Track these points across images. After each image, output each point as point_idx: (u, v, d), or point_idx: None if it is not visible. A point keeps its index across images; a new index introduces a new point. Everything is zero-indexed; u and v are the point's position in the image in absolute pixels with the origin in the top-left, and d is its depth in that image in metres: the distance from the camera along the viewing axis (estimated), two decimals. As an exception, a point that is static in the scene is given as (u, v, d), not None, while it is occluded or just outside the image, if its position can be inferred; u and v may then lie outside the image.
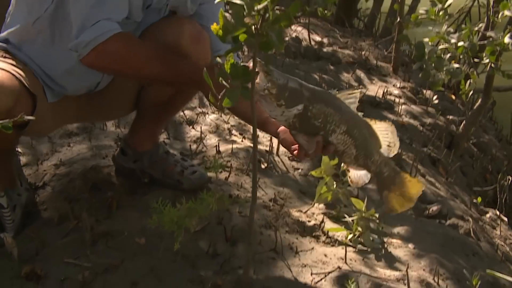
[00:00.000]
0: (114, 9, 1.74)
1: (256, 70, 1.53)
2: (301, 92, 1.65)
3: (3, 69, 1.74)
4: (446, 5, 3.02)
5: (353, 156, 1.80)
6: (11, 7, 1.96)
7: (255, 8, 1.50)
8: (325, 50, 4.98)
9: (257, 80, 1.56)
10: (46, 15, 1.84)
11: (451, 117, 4.33)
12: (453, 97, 4.85)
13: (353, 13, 6.99)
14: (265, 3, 1.47)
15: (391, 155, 1.85)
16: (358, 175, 1.89)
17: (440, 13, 3.01)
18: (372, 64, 4.93)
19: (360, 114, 1.79)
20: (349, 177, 1.89)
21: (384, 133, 1.83)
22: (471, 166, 4.00)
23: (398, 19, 4.47)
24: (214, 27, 1.64)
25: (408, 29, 4.18)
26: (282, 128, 1.85)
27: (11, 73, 1.74)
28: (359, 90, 1.88)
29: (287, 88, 1.62)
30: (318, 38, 5.35)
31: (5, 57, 1.85)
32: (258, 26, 1.52)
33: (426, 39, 3.27)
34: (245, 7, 1.52)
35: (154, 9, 1.96)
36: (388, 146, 1.84)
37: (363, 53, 5.17)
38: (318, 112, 1.67)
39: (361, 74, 4.63)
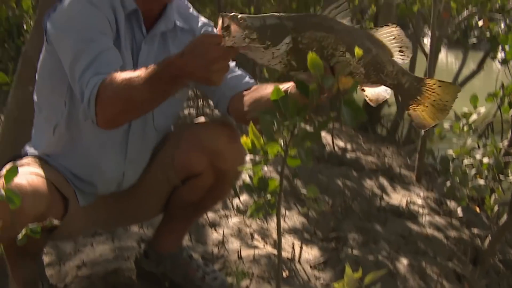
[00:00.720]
0: (102, 65, 1.76)
1: (227, 24, 1.47)
2: (283, 25, 1.53)
3: (36, 174, 1.80)
4: (470, 121, 3.06)
5: (363, 75, 1.63)
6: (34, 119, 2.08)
7: (285, 124, 1.55)
8: (348, 156, 5.02)
9: (233, 33, 1.47)
10: (62, 121, 1.94)
11: (476, 230, 4.25)
12: (478, 209, 4.79)
13: (376, 119, 7.10)
14: (295, 119, 1.52)
15: (406, 60, 1.67)
16: (375, 92, 1.71)
17: (465, 128, 3.05)
18: (395, 172, 4.94)
19: (357, 26, 1.68)
20: (366, 96, 1.72)
21: (391, 38, 1.64)
22: (497, 284, 3.88)
23: (422, 133, 4.52)
24: (244, 140, 1.68)
25: (432, 143, 4.22)
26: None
27: (44, 177, 1.80)
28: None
29: (267, 26, 1.51)
30: (341, 144, 5.42)
31: (38, 163, 1.92)
32: (287, 142, 1.56)
33: (450, 151, 3.30)
34: (274, 122, 1.56)
35: None
36: (400, 51, 1.65)
37: (386, 160, 5.20)
38: (309, 39, 1.54)
39: (384, 181, 4.63)
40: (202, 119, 2.21)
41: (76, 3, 1.85)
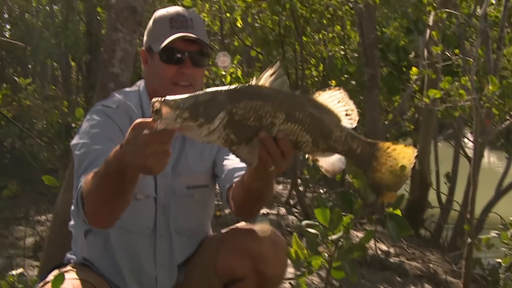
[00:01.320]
0: (95, 167, 1.75)
1: (157, 108, 1.41)
2: (216, 99, 1.46)
3: (80, 279, 1.83)
4: (519, 231, 2.99)
5: (310, 143, 1.52)
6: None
7: (329, 237, 1.55)
8: (391, 260, 4.90)
9: (164, 116, 1.41)
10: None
11: None
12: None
13: (420, 222, 6.96)
14: (339, 234, 1.52)
15: (354, 124, 1.55)
16: (329, 162, 1.58)
17: (513, 237, 2.97)
18: (441, 278, 4.78)
19: (297, 91, 1.58)
20: (322, 167, 1.59)
21: (335, 102, 1.53)
22: None
23: (469, 240, 4.41)
24: (287, 250, 1.68)
25: (479, 250, 4.10)
26: None
27: (87, 282, 1.82)
28: (276, 62, 1.55)
29: (199, 103, 1.44)
30: (384, 247, 5.31)
31: (79, 269, 1.98)
32: (332, 255, 1.55)
33: (499, 260, 3.20)
34: (319, 235, 1.56)
35: None
36: (347, 114, 1.54)
37: (431, 266, 5.06)
38: (244, 110, 1.46)
39: (429, 289, 4.49)
40: (242, 223, 2.22)
41: (94, 114, 1.98)
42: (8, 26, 10.34)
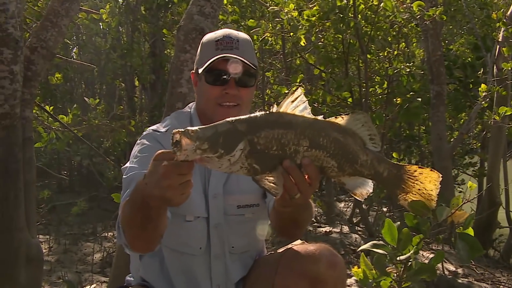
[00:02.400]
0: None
1: (177, 139, 1.40)
2: (236, 130, 1.45)
3: None
4: None
5: (336, 168, 1.50)
6: None
7: (398, 258, 1.52)
8: (459, 281, 4.76)
9: (184, 147, 1.39)
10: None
11: None
12: None
13: (489, 242, 6.74)
14: (408, 254, 1.50)
15: (378, 148, 1.51)
16: (356, 185, 1.55)
17: None
18: (512, 301, 4.61)
19: (320, 117, 1.49)
20: (349, 191, 1.56)
21: (359, 125, 1.51)
22: None
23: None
24: (355, 270, 1.66)
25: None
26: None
27: None
28: (298, 88, 1.55)
29: (219, 134, 1.43)
30: (451, 268, 5.16)
31: None
32: (401, 275, 1.53)
33: None
34: (387, 255, 1.54)
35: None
36: (371, 139, 1.51)
37: (501, 287, 4.88)
38: (265, 139, 1.45)
39: (501, 312, 4.33)
40: (298, 241, 2.20)
41: (144, 139, 2.03)
42: (75, 49, 10.77)
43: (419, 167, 1.54)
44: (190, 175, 1.48)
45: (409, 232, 1.51)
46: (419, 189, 1.52)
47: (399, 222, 1.55)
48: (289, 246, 2.08)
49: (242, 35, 2.07)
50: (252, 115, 1.49)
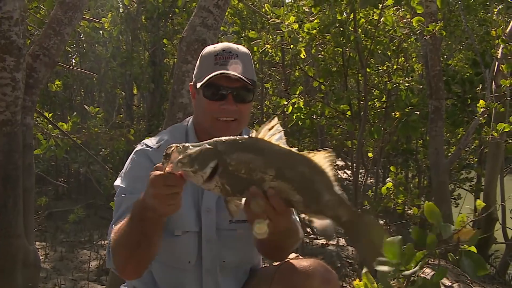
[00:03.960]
0: (123, 214, 1.85)
1: (168, 152, 1.49)
2: (214, 149, 1.48)
3: None
4: None
5: (302, 204, 1.49)
6: None
7: (402, 273, 1.53)
8: (456, 297, 4.77)
9: (171, 160, 1.48)
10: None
11: None
12: None
13: (485, 258, 6.75)
14: (413, 270, 1.50)
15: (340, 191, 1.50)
16: (322, 225, 1.53)
17: None
18: (508, 317, 4.61)
19: (294, 149, 1.48)
20: (316, 229, 1.54)
21: (328, 164, 1.50)
22: None
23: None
24: (357, 283, 1.67)
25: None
26: None
27: None
28: (274, 119, 1.54)
29: (199, 151, 1.48)
30: (447, 283, 5.17)
31: None
32: (404, 291, 1.53)
33: None
34: (391, 271, 1.55)
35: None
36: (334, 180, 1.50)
37: (498, 304, 4.88)
38: (236, 162, 1.47)
39: (497, 329, 4.33)
40: (293, 255, 2.19)
41: (135, 155, 2.05)
42: (74, 57, 10.77)
43: (369, 218, 1.55)
44: (179, 187, 1.55)
45: (413, 247, 1.51)
46: (371, 240, 1.51)
47: (400, 236, 1.56)
48: (283, 261, 2.07)
49: (242, 49, 2.07)
50: (236, 137, 1.52)
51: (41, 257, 4.69)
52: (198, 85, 2.01)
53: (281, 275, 2.00)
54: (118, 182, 2.00)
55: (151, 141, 2.11)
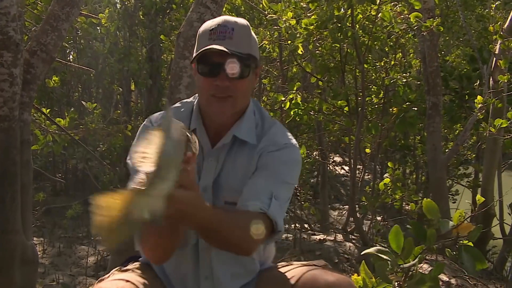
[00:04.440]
0: None
1: None
2: None
3: (131, 281, 1.88)
4: None
5: None
6: None
7: (401, 265, 1.54)
8: (453, 292, 4.78)
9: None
10: None
11: None
12: None
13: (482, 253, 6.75)
14: (411, 263, 1.51)
15: None
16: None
17: None
18: (505, 313, 4.63)
19: None
20: None
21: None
22: None
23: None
24: (355, 277, 1.67)
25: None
26: None
27: (134, 284, 1.87)
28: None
29: None
30: (445, 278, 5.18)
31: (141, 269, 2.02)
32: (402, 284, 1.54)
33: None
34: (389, 263, 1.55)
35: None
36: None
37: (495, 299, 4.90)
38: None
39: (493, 324, 4.34)
40: (322, 262, 2.13)
41: (140, 132, 2.04)
42: (72, 53, 10.75)
43: None
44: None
45: (412, 241, 1.52)
46: None
47: (404, 232, 1.57)
48: (309, 268, 1.94)
49: (240, 22, 1.98)
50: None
51: (39, 253, 4.69)
52: (193, 62, 1.98)
53: (291, 275, 1.92)
54: (128, 159, 2.00)
55: (156, 117, 2.10)
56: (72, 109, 6.48)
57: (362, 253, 1.69)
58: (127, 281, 1.90)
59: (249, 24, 2.01)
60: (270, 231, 1.87)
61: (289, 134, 2.07)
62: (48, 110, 5.50)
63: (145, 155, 1.48)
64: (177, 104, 2.17)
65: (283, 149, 1.97)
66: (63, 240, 5.95)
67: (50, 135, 5.11)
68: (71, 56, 10.85)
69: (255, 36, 2.03)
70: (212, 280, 2.05)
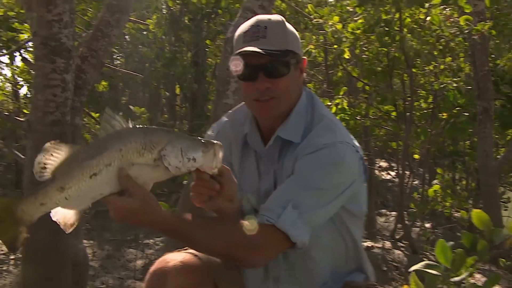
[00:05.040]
0: None
1: None
2: None
3: (195, 255, 1.93)
4: None
5: None
6: None
7: (452, 279, 1.50)
8: (505, 303, 4.65)
9: None
10: None
11: None
12: None
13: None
14: (463, 276, 1.47)
15: None
16: None
17: None
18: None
19: None
20: None
21: None
22: None
23: None
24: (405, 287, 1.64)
25: None
26: None
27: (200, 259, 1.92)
28: None
29: None
30: (499, 289, 5.04)
31: None
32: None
33: None
34: (440, 277, 1.51)
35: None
36: None
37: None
38: None
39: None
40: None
41: None
42: (120, 58, 10.94)
43: None
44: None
45: (463, 253, 1.48)
46: None
47: (452, 242, 1.52)
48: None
49: (274, 18, 1.93)
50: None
51: (88, 255, 4.78)
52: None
53: None
54: None
55: (216, 124, 2.14)
56: (120, 114, 6.55)
57: (410, 270, 1.65)
58: (195, 255, 1.92)
59: (284, 19, 1.95)
60: (287, 242, 1.77)
61: (337, 131, 1.92)
62: (97, 115, 5.59)
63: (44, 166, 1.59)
64: (235, 108, 2.16)
65: (319, 150, 1.84)
66: (112, 243, 6.05)
67: (99, 139, 5.19)
68: (118, 61, 11.05)
69: (293, 30, 1.96)
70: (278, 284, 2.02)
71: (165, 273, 1.87)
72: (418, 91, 6.26)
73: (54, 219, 1.66)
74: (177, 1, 8.83)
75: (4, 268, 4.90)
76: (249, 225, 1.73)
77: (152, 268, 1.94)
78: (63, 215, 1.65)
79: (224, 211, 1.77)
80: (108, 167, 1.57)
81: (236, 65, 1.86)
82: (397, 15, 5.25)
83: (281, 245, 1.78)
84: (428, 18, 5.16)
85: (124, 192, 1.59)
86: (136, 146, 1.58)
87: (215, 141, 1.62)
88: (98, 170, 1.56)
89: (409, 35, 5.30)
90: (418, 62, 5.82)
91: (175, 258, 1.90)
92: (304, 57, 2.03)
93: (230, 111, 2.18)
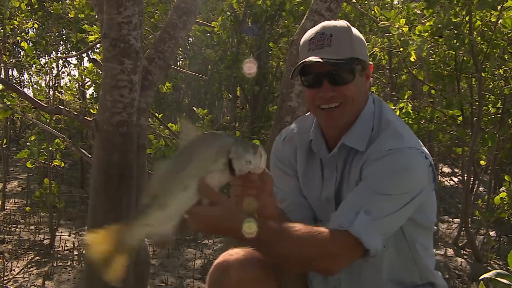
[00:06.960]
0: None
1: None
2: None
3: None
4: None
5: None
6: None
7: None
8: None
9: None
10: None
11: None
12: None
13: None
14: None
15: None
16: None
17: None
18: None
19: None
20: None
21: None
22: None
23: None
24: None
25: None
26: None
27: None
28: None
29: None
30: None
31: None
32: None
33: None
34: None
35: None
36: None
37: None
38: None
39: None
40: None
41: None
42: (183, 59, 11.10)
43: None
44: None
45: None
46: None
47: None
48: None
49: (339, 25, 1.92)
50: None
51: (149, 254, 4.86)
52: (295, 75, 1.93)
53: None
54: None
55: (284, 131, 2.18)
56: (184, 115, 6.65)
57: (481, 278, 1.59)
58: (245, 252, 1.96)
59: (350, 26, 1.93)
60: (360, 249, 1.73)
61: (405, 136, 1.87)
62: (160, 115, 5.68)
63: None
64: (303, 116, 2.20)
65: (386, 156, 1.80)
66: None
67: (163, 139, 5.29)
68: (181, 62, 11.21)
69: (359, 36, 1.94)
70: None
71: (227, 266, 1.92)
72: (487, 96, 6.06)
73: (152, 240, 1.69)
74: (241, 4, 8.88)
75: (68, 264, 5.03)
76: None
77: (216, 261, 1.99)
78: (161, 234, 1.62)
79: (267, 207, 1.80)
80: (194, 178, 1.57)
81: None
82: (467, 18, 5.10)
83: (354, 252, 1.75)
84: (500, 21, 4.99)
85: (200, 201, 1.59)
86: (211, 153, 1.59)
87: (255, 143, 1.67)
88: (188, 183, 1.57)
89: (479, 38, 5.15)
90: (488, 66, 5.63)
91: (238, 252, 1.95)
92: (370, 63, 2.01)
93: (299, 118, 2.20)
